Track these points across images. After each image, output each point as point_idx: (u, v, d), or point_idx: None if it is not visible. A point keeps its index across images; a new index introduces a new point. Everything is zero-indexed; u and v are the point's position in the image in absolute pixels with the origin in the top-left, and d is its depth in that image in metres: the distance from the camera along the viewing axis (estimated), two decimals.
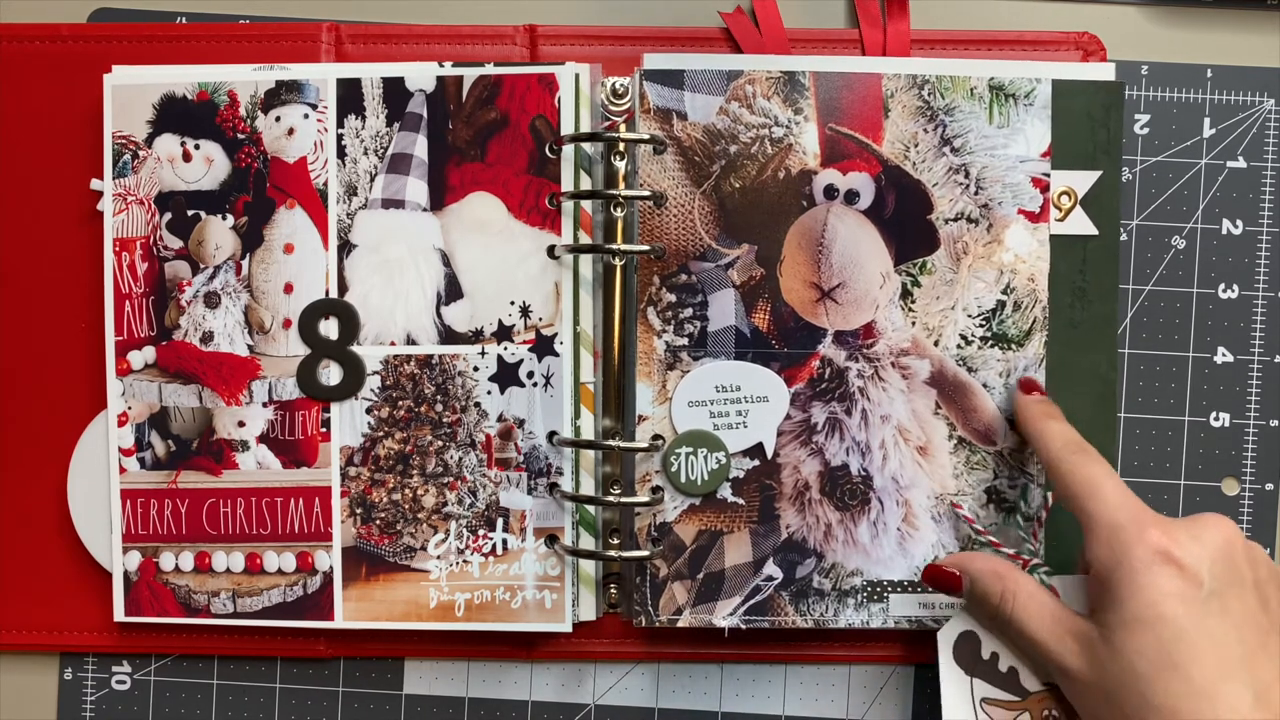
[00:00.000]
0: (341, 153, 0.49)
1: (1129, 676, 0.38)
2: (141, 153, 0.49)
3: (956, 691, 0.45)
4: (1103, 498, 0.40)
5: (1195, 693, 0.37)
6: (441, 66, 0.49)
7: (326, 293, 0.49)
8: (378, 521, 0.49)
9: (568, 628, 0.48)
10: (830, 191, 0.48)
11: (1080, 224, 0.48)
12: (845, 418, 0.48)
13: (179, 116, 0.49)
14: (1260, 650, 0.38)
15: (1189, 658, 0.37)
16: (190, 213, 0.49)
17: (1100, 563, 0.40)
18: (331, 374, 0.49)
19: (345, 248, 0.49)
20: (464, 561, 0.49)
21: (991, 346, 0.48)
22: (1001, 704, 0.45)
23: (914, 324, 0.48)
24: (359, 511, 0.49)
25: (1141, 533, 0.39)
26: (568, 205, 0.48)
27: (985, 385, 0.48)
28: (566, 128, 0.48)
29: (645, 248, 0.47)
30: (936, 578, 0.45)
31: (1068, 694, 0.41)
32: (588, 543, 0.49)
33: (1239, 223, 0.51)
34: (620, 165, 0.48)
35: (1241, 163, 0.51)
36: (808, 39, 0.50)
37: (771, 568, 0.48)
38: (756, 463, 0.48)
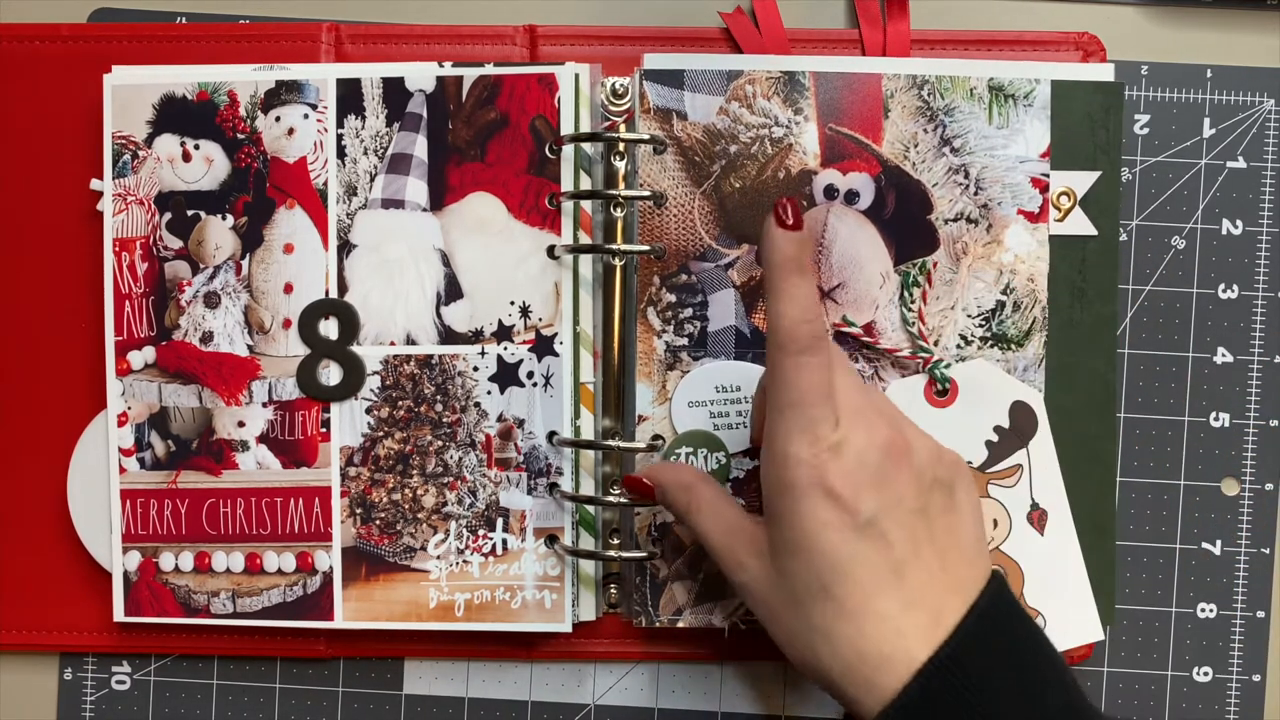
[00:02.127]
0: (341, 153, 0.49)
1: (790, 597, 0.39)
2: (141, 153, 0.49)
3: None
4: (791, 413, 0.38)
5: (847, 613, 0.37)
6: (441, 66, 0.49)
7: (326, 293, 0.49)
8: (378, 521, 0.49)
9: (568, 628, 0.49)
10: (830, 191, 0.48)
11: (1080, 224, 0.48)
12: None
13: (179, 116, 0.49)
14: (913, 560, 0.38)
15: (840, 583, 0.37)
16: (190, 213, 0.49)
17: (766, 481, 0.39)
18: (331, 374, 0.49)
19: (345, 248, 0.49)
20: (464, 561, 0.49)
21: (991, 346, 0.48)
22: None
23: (913, 325, 0.48)
24: (359, 511, 0.49)
25: (810, 461, 0.38)
26: (568, 205, 0.48)
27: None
28: (566, 128, 0.48)
29: (645, 248, 0.47)
30: (633, 487, 0.45)
31: (749, 606, 0.41)
32: (588, 543, 0.49)
33: (1239, 223, 0.51)
34: (620, 165, 0.48)
35: (1241, 163, 0.51)
36: (808, 39, 0.50)
37: None
38: (757, 463, 0.48)
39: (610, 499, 0.48)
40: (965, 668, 0.36)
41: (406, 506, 0.49)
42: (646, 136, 0.47)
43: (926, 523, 0.39)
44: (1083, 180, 0.48)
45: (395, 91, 0.49)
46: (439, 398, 0.49)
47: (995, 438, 0.48)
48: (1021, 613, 0.39)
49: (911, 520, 0.38)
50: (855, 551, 0.37)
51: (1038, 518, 0.48)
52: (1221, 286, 0.51)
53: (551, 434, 0.48)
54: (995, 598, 0.39)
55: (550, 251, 0.48)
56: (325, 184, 0.49)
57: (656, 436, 0.48)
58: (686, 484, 0.43)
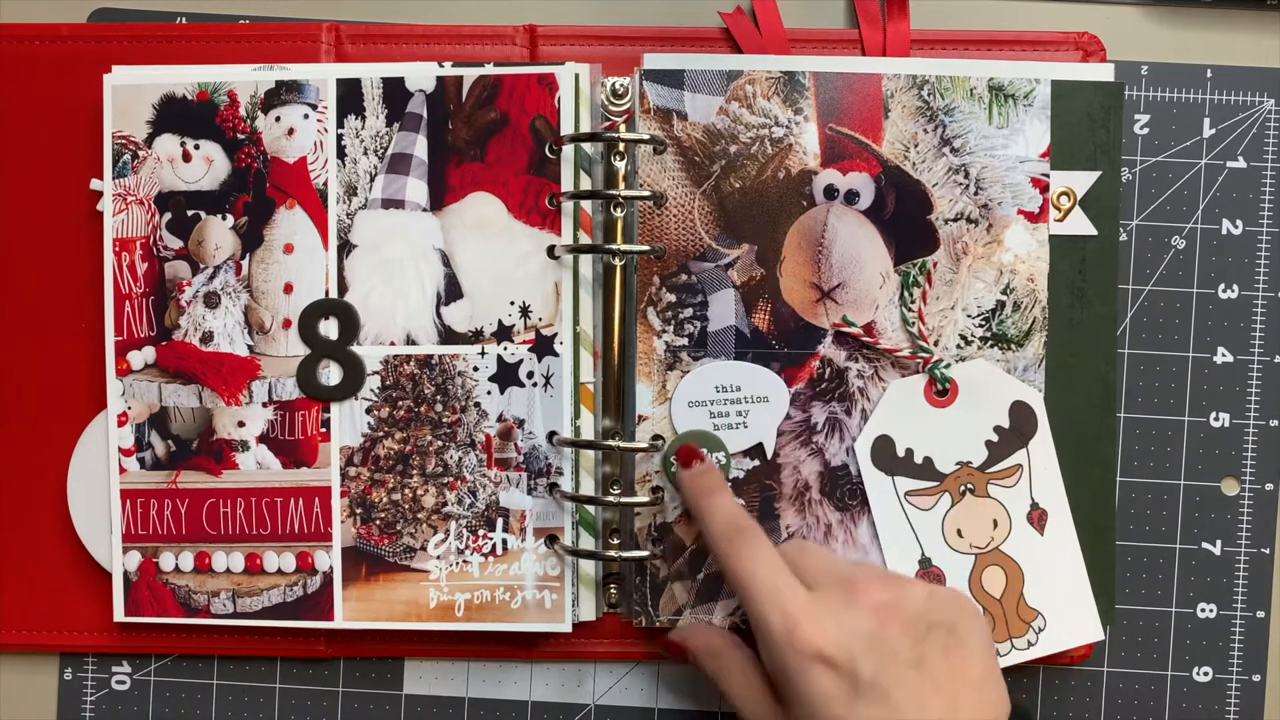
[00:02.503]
0: (341, 153, 0.49)
1: None
2: (141, 153, 0.49)
3: (881, 494, 0.48)
4: (754, 594, 0.40)
5: None
6: (441, 66, 0.49)
7: (326, 293, 0.49)
8: (377, 521, 0.49)
9: (568, 628, 0.49)
10: (830, 192, 0.48)
11: (1079, 224, 0.48)
12: (845, 418, 0.48)
13: (179, 116, 0.49)
14: (919, 714, 0.38)
15: None
16: (190, 213, 0.49)
17: (766, 662, 0.41)
18: (331, 374, 0.49)
19: (345, 248, 0.49)
20: (464, 561, 0.49)
21: (991, 346, 0.48)
22: (922, 493, 0.48)
23: (913, 324, 0.48)
24: (359, 511, 0.49)
25: (791, 634, 0.39)
26: (568, 205, 0.48)
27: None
28: (566, 128, 0.48)
29: (645, 248, 0.47)
30: (668, 648, 0.48)
31: None
32: (588, 543, 0.49)
33: (1239, 223, 0.51)
34: (620, 165, 0.48)
35: (1241, 163, 0.51)
36: (808, 39, 0.50)
37: None
38: (757, 463, 0.48)
39: (610, 499, 0.48)
40: None
41: (406, 506, 0.49)
42: (646, 136, 0.47)
43: (928, 671, 0.39)
44: (1083, 180, 0.48)
45: (395, 91, 0.49)
46: (439, 398, 0.49)
47: (995, 438, 0.48)
48: None
49: (911, 674, 0.39)
50: (862, 717, 0.38)
51: (1038, 518, 0.48)
52: (1221, 286, 0.51)
53: (551, 434, 0.48)
54: None
55: (550, 251, 0.48)
56: (325, 184, 0.49)
57: (656, 436, 0.48)
58: (715, 650, 0.45)
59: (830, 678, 0.38)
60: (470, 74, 0.48)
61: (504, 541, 0.49)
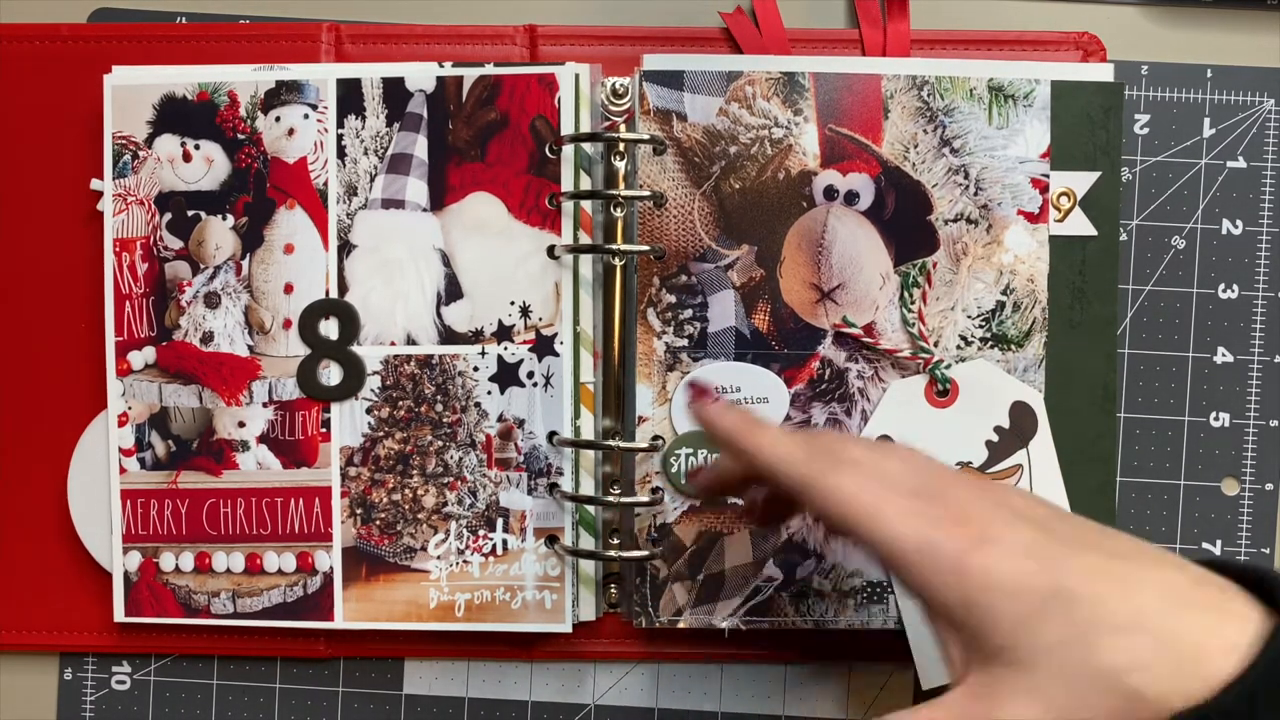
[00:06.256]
0: (341, 153, 0.49)
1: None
2: (141, 153, 0.49)
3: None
4: (884, 523, 0.33)
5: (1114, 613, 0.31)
6: (441, 67, 0.49)
7: (326, 293, 0.49)
8: (378, 522, 0.49)
9: (568, 628, 0.49)
10: (830, 192, 0.48)
11: (1079, 225, 0.48)
12: (845, 418, 0.48)
13: (179, 117, 0.49)
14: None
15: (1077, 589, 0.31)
16: (190, 213, 0.49)
17: (934, 601, 0.33)
18: (331, 374, 0.49)
19: (345, 248, 0.49)
20: (464, 562, 0.49)
21: (991, 347, 0.48)
22: None
23: (913, 325, 0.48)
24: (359, 512, 0.49)
25: (950, 546, 0.32)
26: (568, 205, 0.48)
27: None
28: (566, 128, 0.48)
29: (645, 248, 0.47)
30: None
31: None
32: (588, 543, 0.49)
33: (1239, 223, 0.51)
34: (620, 165, 0.48)
35: (1241, 163, 0.51)
36: (808, 39, 0.50)
37: (771, 569, 0.48)
38: None
39: (610, 499, 0.48)
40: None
41: (407, 507, 0.49)
42: (646, 137, 0.47)
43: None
44: (1083, 181, 0.48)
45: (395, 91, 0.49)
46: (439, 398, 0.49)
47: (995, 438, 0.48)
48: None
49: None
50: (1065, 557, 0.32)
51: None
52: (1221, 286, 0.51)
53: (552, 434, 0.48)
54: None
55: (550, 251, 0.48)
56: (325, 184, 0.49)
57: (656, 437, 0.48)
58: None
59: (1004, 559, 0.31)
60: (470, 74, 0.48)
61: (504, 542, 0.49)
